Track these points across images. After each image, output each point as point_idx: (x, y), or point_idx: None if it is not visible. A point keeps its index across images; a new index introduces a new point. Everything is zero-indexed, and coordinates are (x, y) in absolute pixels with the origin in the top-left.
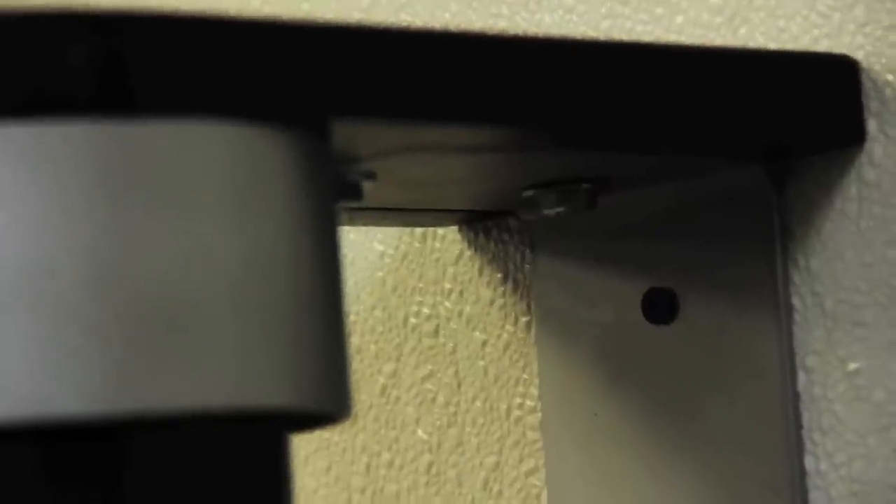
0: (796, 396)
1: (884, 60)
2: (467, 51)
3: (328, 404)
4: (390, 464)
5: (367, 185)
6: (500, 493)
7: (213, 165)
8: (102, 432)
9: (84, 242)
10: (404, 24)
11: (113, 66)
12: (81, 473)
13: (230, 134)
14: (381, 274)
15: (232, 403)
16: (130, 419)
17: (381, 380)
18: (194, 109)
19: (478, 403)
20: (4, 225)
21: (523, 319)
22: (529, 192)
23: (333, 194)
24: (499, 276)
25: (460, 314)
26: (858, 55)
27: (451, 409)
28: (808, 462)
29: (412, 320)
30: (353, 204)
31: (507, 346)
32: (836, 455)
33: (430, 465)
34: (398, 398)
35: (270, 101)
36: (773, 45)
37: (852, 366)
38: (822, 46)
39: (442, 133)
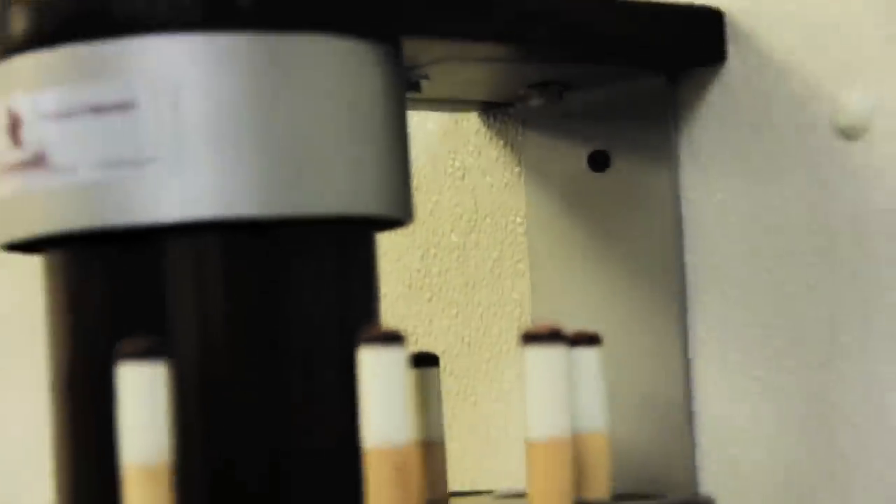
0: (679, 217)
1: (738, 6)
2: None
3: (401, 212)
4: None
5: (423, 83)
6: None
7: (327, 65)
8: (264, 229)
9: (250, 106)
10: None
11: None
12: (252, 261)
13: (335, 45)
14: (430, 142)
15: (348, 210)
16: (284, 220)
17: (430, 206)
18: (313, 27)
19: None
20: (202, 95)
21: (516, 169)
22: (521, 91)
23: (403, 87)
24: (502, 142)
25: (477, 166)
26: (723, 6)
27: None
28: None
29: (448, 170)
30: (415, 95)
31: (507, 185)
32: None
33: None
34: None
35: (361, 22)
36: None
37: (720, 196)
38: None
39: (472, 48)
